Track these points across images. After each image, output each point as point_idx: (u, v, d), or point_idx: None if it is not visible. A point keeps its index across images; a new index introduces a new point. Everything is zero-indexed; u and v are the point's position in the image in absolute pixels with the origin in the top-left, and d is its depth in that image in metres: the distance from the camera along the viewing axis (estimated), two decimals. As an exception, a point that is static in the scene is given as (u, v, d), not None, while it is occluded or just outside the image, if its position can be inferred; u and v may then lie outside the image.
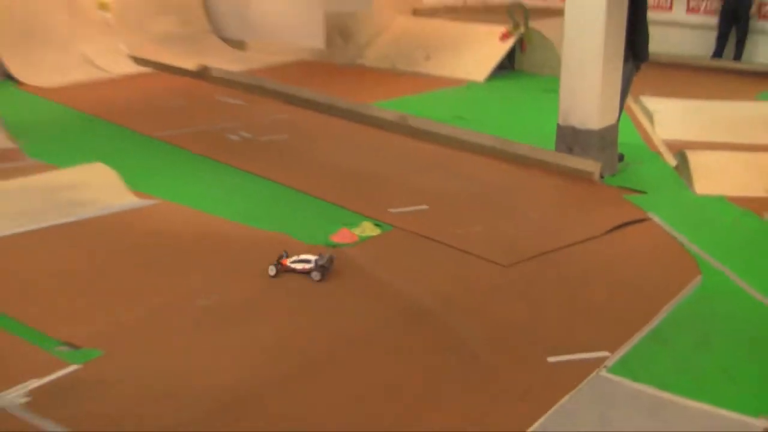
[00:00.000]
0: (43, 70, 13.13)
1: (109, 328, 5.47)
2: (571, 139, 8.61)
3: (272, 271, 6.18)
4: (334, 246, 6.82)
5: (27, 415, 4.50)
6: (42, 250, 6.76)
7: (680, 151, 9.21)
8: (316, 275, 6.15)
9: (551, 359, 5.13)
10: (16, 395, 4.67)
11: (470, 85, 12.79)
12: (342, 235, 7.04)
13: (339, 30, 14.35)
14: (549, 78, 12.24)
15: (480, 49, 13.34)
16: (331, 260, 6.28)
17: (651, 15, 9.11)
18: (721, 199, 7.93)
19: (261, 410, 4.62)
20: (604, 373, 4.98)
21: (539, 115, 10.71)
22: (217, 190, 8.20)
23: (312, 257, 6.25)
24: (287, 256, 6.31)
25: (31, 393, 4.69)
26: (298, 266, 6.21)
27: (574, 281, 6.32)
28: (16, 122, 10.26)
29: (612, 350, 5.22)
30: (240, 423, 4.50)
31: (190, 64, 13.42)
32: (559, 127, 8.72)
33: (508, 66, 13.46)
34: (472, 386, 4.89)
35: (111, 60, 13.87)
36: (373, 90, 12.33)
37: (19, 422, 4.45)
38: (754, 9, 14.84)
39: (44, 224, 7.16)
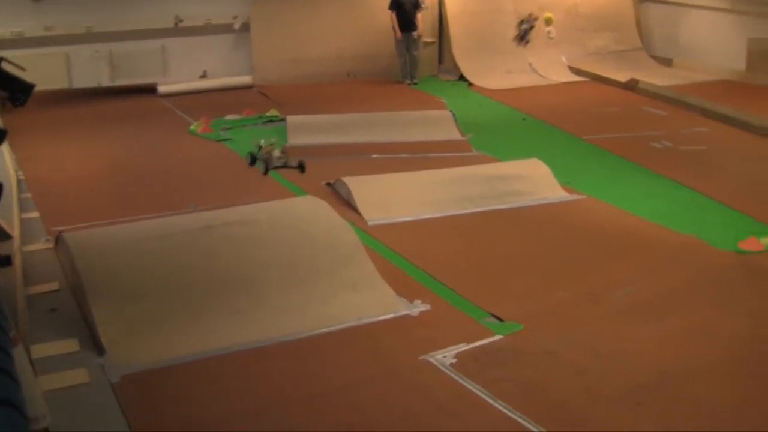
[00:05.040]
0: (492, 75, 13.18)
1: (532, 307, 5.18)
2: None
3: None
4: (742, 252, 6.06)
5: (453, 373, 4.37)
6: (481, 232, 6.63)
7: None
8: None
9: None
10: (446, 355, 4.55)
11: None
12: (750, 243, 6.25)
13: (760, 54, 13.04)
14: None
15: None
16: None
17: None
18: None
19: (683, 392, 4.17)
20: None
21: None
22: (636, 192, 7.59)
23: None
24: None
25: (458, 356, 4.54)
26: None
27: None
28: (465, 118, 10.29)
29: None
30: (659, 401, 4.09)
31: (621, 76, 12.78)
32: None
33: None
34: None
35: (551, 69, 13.64)
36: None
37: (446, 379, 4.33)
38: None
39: (484, 208, 7.04)
